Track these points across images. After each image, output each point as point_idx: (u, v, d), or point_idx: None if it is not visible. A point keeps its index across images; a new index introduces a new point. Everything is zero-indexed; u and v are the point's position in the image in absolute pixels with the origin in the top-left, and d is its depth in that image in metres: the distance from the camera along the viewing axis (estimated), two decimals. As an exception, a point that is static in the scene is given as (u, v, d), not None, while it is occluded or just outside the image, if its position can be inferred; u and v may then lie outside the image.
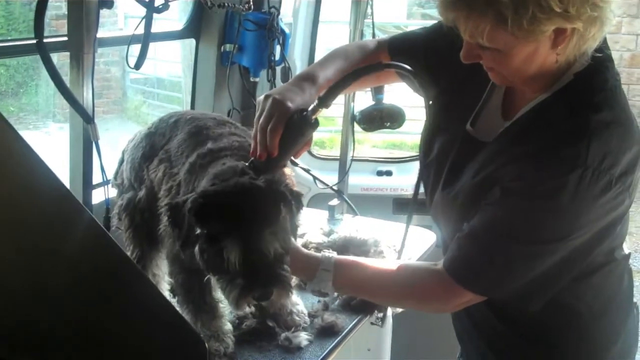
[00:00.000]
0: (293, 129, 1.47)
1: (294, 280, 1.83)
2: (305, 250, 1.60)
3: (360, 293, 1.66)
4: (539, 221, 1.34)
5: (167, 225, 1.49)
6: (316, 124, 1.50)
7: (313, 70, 1.61)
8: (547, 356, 1.56)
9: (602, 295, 1.53)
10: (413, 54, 1.65)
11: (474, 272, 1.42)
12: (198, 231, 1.43)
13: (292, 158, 1.54)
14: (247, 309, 1.76)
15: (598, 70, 1.37)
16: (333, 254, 1.61)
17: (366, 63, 1.67)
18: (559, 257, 1.37)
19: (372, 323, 1.93)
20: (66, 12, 1.79)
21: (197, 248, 1.44)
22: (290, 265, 1.48)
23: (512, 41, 1.28)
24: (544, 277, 1.39)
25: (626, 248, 1.56)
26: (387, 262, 1.65)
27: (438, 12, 1.35)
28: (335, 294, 1.93)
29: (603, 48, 1.38)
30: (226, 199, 1.43)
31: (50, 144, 5.72)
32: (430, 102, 1.58)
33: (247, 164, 1.50)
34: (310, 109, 1.49)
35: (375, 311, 1.92)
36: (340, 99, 1.88)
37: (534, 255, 1.37)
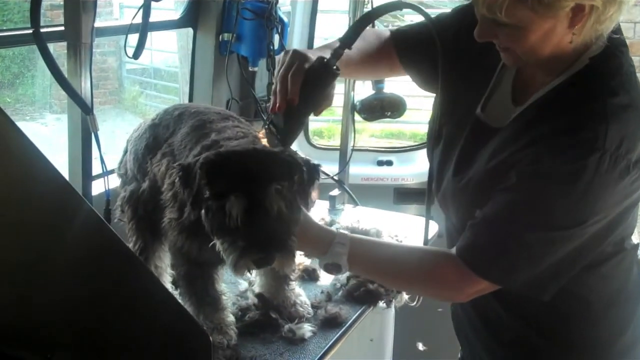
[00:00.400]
0: (314, 77, 1.43)
1: (296, 273, 1.82)
2: (320, 224, 1.54)
3: (372, 272, 1.60)
4: (556, 206, 1.31)
5: (179, 187, 1.45)
6: (337, 72, 1.46)
7: (332, 42, 1.60)
8: (556, 346, 1.54)
9: (611, 285, 1.52)
10: (418, 44, 1.65)
11: (488, 259, 1.39)
12: (207, 194, 1.40)
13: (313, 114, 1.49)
14: (251, 301, 1.76)
15: (613, 55, 1.36)
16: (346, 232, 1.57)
17: (379, 48, 1.69)
18: (574, 245, 1.35)
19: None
20: (62, 3, 1.76)
21: (204, 209, 1.41)
22: (304, 237, 1.45)
23: (531, 17, 1.27)
24: (558, 265, 1.37)
25: (635, 238, 1.54)
26: (403, 244, 1.62)
27: None
28: (341, 279, 1.93)
29: (618, 30, 1.37)
30: (237, 158, 1.42)
31: (47, 134, 5.70)
32: (438, 90, 1.56)
33: (266, 121, 1.49)
34: (331, 53, 1.46)
35: (379, 302, 1.91)
36: (339, 88, 1.87)
37: (550, 242, 1.34)
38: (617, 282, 1.53)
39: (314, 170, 1.49)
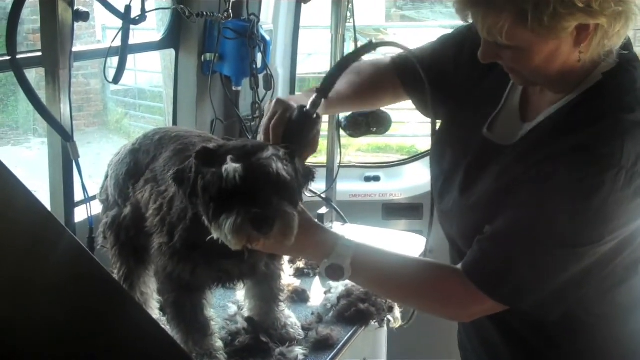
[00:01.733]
0: (295, 126, 1.46)
1: (285, 294, 1.80)
2: (323, 226, 1.49)
3: (375, 281, 1.49)
4: (569, 223, 1.27)
5: (175, 189, 1.43)
6: (318, 119, 1.48)
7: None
8: None
9: (621, 310, 1.47)
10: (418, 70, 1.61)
11: (496, 277, 1.33)
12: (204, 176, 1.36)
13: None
14: (241, 325, 1.73)
15: (626, 70, 1.34)
16: None
17: (378, 77, 1.67)
18: (585, 265, 1.31)
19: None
20: (42, 26, 1.74)
21: (200, 190, 1.36)
22: (307, 238, 1.39)
23: (533, 39, 1.24)
24: (566, 286, 1.32)
25: None
26: (409, 255, 1.55)
27: (455, 10, 1.30)
28: (331, 300, 1.90)
29: (628, 46, 1.34)
30: (231, 145, 1.40)
31: (32, 158, 5.66)
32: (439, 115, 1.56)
33: None
34: (310, 102, 1.47)
35: (371, 322, 1.89)
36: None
37: (561, 260, 1.30)
38: (626, 309, 1.47)
39: (309, 172, 1.47)
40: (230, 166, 1.31)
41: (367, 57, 1.61)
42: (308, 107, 1.47)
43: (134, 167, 1.72)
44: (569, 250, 1.29)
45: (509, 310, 1.37)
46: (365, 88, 1.68)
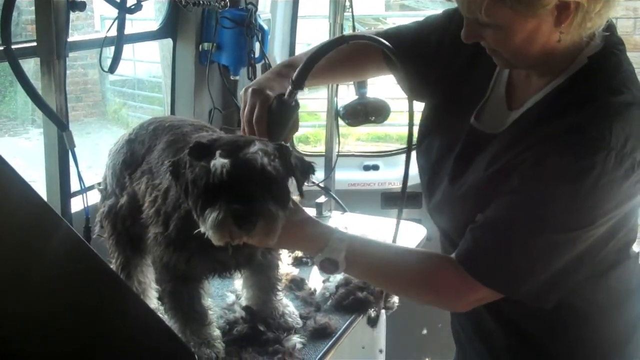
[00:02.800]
0: (276, 114, 1.50)
1: (281, 284, 1.80)
2: (317, 220, 1.48)
3: (369, 272, 1.49)
4: (561, 207, 1.27)
5: (171, 181, 1.44)
6: (297, 106, 1.53)
7: (296, 57, 1.62)
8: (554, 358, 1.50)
9: (614, 297, 1.47)
10: (402, 51, 1.59)
11: (491, 265, 1.33)
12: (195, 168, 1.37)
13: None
14: (239, 314, 1.74)
15: (612, 53, 1.34)
16: None
17: (355, 54, 1.66)
18: (578, 249, 1.31)
19: (368, 323, 1.88)
20: (39, 16, 1.73)
21: (190, 182, 1.37)
22: (301, 232, 1.40)
23: (512, 16, 1.25)
24: (561, 272, 1.32)
25: (636, 247, 1.50)
26: (402, 246, 1.55)
27: None
28: (330, 288, 1.90)
29: (612, 28, 1.35)
30: (224, 139, 1.41)
31: (31, 149, 5.66)
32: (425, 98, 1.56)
33: None
34: (287, 92, 1.51)
35: (369, 310, 1.89)
36: (322, 93, 1.85)
37: (554, 246, 1.30)
38: (619, 294, 1.48)
39: (308, 167, 1.47)
40: (218, 161, 1.31)
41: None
42: (285, 97, 1.50)
43: (130, 157, 1.73)
44: (561, 235, 1.29)
45: (504, 298, 1.36)
46: (349, 55, 1.67)
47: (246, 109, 1.51)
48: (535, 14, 1.24)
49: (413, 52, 1.57)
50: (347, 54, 1.64)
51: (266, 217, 1.31)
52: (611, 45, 1.34)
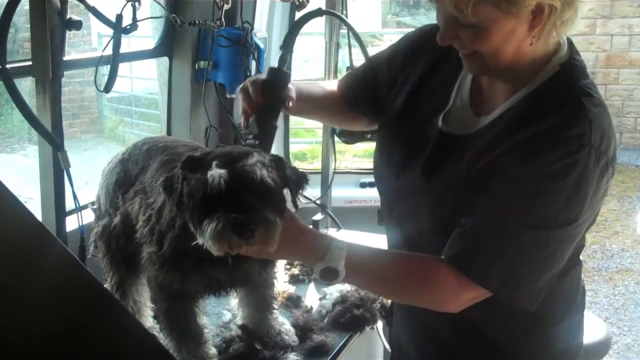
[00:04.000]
0: (271, 83, 1.60)
1: (277, 302, 1.79)
2: (315, 230, 1.51)
3: (368, 278, 1.50)
4: (549, 204, 1.33)
5: (164, 197, 1.44)
6: (288, 74, 1.63)
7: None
8: None
9: (566, 297, 1.54)
10: (363, 78, 1.76)
11: (486, 265, 1.37)
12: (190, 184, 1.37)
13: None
14: (235, 332, 1.73)
15: (577, 61, 1.43)
16: None
17: (329, 91, 1.81)
18: (561, 248, 1.37)
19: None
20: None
21: (186, 195, 1.36)
22: (299, 242, 1.41)
23: (495, 15, 1.31)
24: (548, 271, 1.38)
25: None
26: (398, 251, 1.59)
27: None
28: (326, 306, 1.90)
29: (570, 40, 1.45)
30: (217, 152, 1.40)
31: (29, 165, 5.66)
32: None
33: (243, 137, 1.63)
34: (278, 59, 1.65)
35: (366, 327, 1.88)
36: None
37: (544, 243, 1.35)
38: (570, 296, 1.56)
39: (302, 177, 1.47)
40: (216, 172, 1.31)
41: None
42: (277, 66, 1.63)
43: (124, 177, 1.73)
44: (550, 232, 1.34)
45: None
46: (340, 118, 1.87)
47: (241, 96, 1.61)
48: (517, 13, 1.30)
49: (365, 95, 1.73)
50: (338, 116, 1.84)
51: (265, 226, 1.31)
52: (574, 55, 1.44)
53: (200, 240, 1.34)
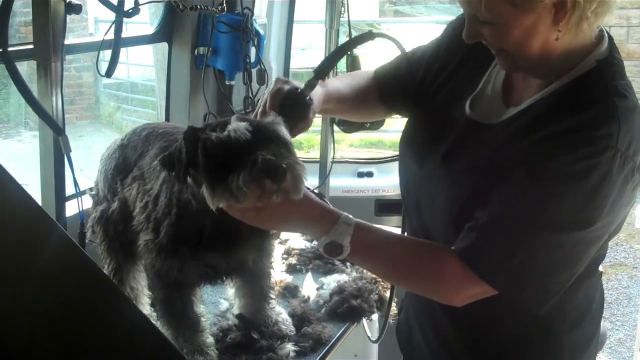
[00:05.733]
0: (288, 102, 1.50)
1: (274, 292, 1.79)
2: (324, 202, 1.46)
3: (372, 260, 1.47)
4: (566, 204, 1.28)
5: (165, 175, 1.43)
6: (310, 101, 1.52)
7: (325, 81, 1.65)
8: None
9: (579, 309, 1.50)
10: (397, 75, 1.68)
11: (495, 262, 1.33)
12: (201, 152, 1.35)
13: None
14: (232, 321, 1.72)
15: (615, 60, 1.38)
16: None
17: (366, 86, 1.71)
18: (575, 252, 1.33)
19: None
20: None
21: (201, 158, 1.34)
22: (307, 214, 1.38)
23: (510, 11, 1.27)
24: (559, 274, 1.34)
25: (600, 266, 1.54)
26: (407, 236, 1.57)
27: None
28: (324, 296, 1.89)
29: (612, 40, 1.39)
30: (222, 121, 1.38)
31: (24, 151, 5.64)
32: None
33: None
34: (305, 83, 1.52)
35: (363, 319, 1.88)
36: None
37: (557, 245, 1.31)
38: (583, 308, 1.51)
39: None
40: (238, 124, 1.31)
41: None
42: (302, 88, 1.51)
43: (122, 163, 1.72)
44: (564, 234, 1.30)
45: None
46: (359, 99, 1.73)
47: (264, 98, 1.54)
48: (533, 9, 1.26)
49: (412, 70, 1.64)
50: (355, 104, 1.73)
51: (295, 169, 1.30)
52: (614, 53, 1.38)
53: (220, 203, 1.32)
